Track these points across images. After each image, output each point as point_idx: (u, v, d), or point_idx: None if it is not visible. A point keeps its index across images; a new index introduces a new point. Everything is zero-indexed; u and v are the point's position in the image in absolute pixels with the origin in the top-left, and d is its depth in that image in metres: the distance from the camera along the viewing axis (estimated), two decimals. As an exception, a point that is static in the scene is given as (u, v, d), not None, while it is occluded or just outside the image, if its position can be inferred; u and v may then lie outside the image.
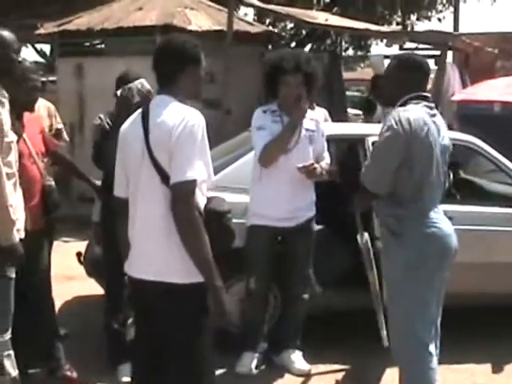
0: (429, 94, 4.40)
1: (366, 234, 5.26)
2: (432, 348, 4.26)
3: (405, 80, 4.31)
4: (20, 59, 4.28)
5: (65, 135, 7.91)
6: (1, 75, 4.05)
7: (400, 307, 4.27)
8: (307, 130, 5.33)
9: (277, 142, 5.18)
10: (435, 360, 4.28)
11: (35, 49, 20.71)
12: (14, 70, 4.26)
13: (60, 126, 7.84)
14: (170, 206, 3.32)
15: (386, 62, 13.58)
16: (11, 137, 4.12)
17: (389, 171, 4.15)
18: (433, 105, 4.33)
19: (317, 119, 5.49)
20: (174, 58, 3.49)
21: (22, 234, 4.18)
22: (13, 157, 4.13)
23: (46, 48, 13.75)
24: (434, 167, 4.20)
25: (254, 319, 5.47)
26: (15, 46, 4.20)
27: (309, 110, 5.44)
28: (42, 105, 7.21)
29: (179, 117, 3.35)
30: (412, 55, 4.79)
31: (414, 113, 4.15)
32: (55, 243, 9.00)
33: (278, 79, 5.25)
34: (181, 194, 3.29)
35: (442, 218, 4.30)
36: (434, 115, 4.27)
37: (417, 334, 4.21)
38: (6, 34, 4.20)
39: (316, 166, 5.25)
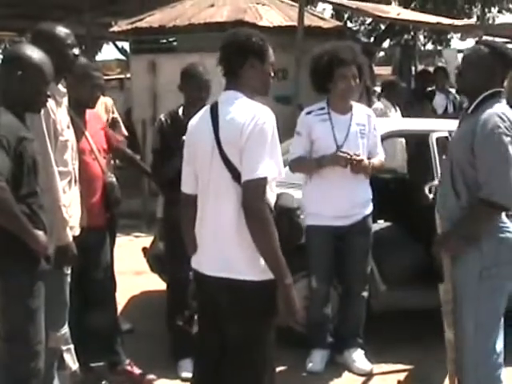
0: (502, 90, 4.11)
1: (450, 286, 4.21)
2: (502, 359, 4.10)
3: (495, 71, 4.01)
4: (76, 53, 4.25)
5: (123, 129, 7.88)
6: (59, 72, 4.03)
7: (474, 321, 4.02)
8: (358, 124, 5.23)
9: (305, 165, 5.23)
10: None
11: (116, 46, 21.01)
12: (70, 65, 4.25)
13: (115, 115, 7.81)
14: (241, 204, 3.31)
15: (460, 56, 13.39)
16: (67, 135, 4.16)
17: None
18: None
19: (369, 113, 5.36)
20: (237, 52, 3.47)
21: (77, 232, 4.22)
22: (69, 155, 4.16)
23: (128, 46, 13.99)
24: None
25: (318, 317, 5.42)
26: (68, 40, 4.17)
27: (360, 105, 5.39)
28: (99, 101, 7.24)
29: (250, 114, 3.33)
30: (502, 44, 4.51)
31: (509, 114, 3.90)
32: (126, 238, 9.30)
33: (333, 73, 5.12)
34: (252, 191, 3.28)
35: None
36: None
37: (495, 349, 4.03)
38: (58, 28, 4.18)
39: (362, 159, 5.13)
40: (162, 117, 5.33)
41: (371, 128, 5.29)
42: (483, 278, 3.95)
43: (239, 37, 3.52)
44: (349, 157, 5.03)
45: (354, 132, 5.20)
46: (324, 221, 5.18)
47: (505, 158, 3.82)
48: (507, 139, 3.82)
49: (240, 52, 3.47)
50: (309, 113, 5.28)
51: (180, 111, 5.21)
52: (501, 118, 3.84)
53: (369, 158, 5.21)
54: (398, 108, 9.14)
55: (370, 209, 5.32)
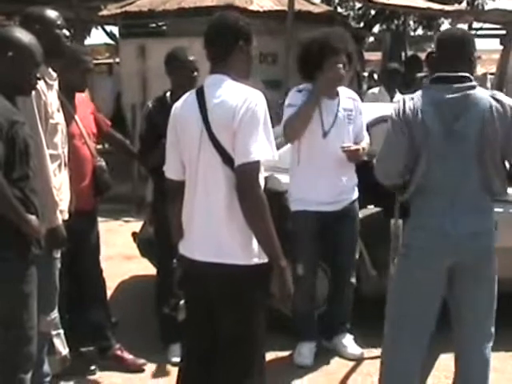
0: (454, 74, 3.91)
1: None
2: (401, 342, 4.10)
3: (434, 58, 4.18)
4: (67, 34, 4.24)
5: None
6: (49, 55, 3.99)
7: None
8: (345, 109, 5.20)
9: (299, 112, 5.05)
10: (401, 357, 4.12)
11: (105, 30, 20.88)
12: (62, 48, 4.23)
13: None
14: (236, 187, 3.30)
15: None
16: (57, 118, 4.14)
17: (395, 163, 3.96)
18: (458, 86, 3.88)
19: (354, 98, 5.33)
20: (226, 34, 3.45)
21: (66, 216, 4.20)
22: (59, 138, 4.15)
23: (116, 30, 13.89)
24: (424, 157, 3.88)
25: (304, 308, 5.34)
26: (58, 22, 4.16)
27: (346, 89, 5.34)
28: None
29: (241, 97, 3.32)
30: (448, 30, 4.61)
31: (411, 101, 3.92)
32: (116, 223, 9.30)
33: (322, 61, 5.03)
34: (247, 175, 3.28)
35: (437, 211, 3.92)
36: (451, 99, 3.87)
37: (390, 317, 4.16)
38: (47, 11, 4.17)
39: (359, 147, 5.13)
40: (150, 103, 5.30)
41: (357, 113, 5.26)
42: (399, 254, 4.12)
43: (228, 20, 3.50)
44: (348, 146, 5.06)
45: (341, 117, 5.17)
46: (312, 206, 5.13)
47: (386, 141, 3.97)
48: (390, 122, 3.95)
49: (231, 36, 3.45)
50: (299, 91, 5.19)
51: (167, 96, 5.17)
52: (398, 101, 4.01)
53: (356, 143, 5.19)
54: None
55: (356, 194, 5.31)
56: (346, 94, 5.28)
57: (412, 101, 3.93)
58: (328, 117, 5.15)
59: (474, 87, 3.91)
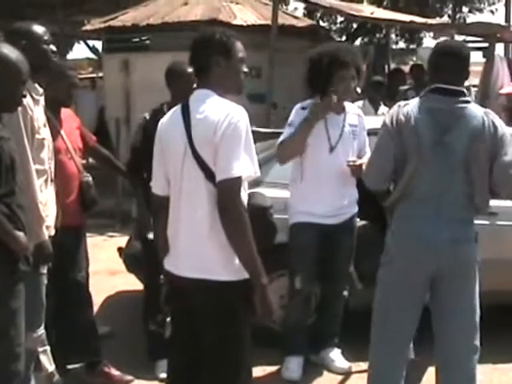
0: (452, 87, 3.95)
1: None
2: (382, 349, 4.18)
3: (429, 69, 4.11)
4: (54, 50, 4.23)
5: None
6: (36, 70, 3.99)
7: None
8: (350, 125, 5.22)
9: (294, 136, 5.05)
10: (385, 366, 4.19)
11: (87, 45, 20.86)
12: (48, 62, 4.23)
13: None
14: (217, 204, 3.28)
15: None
16: (43, 134, 4.12)
17: (382, 167, 4.07)
18: (453, 99, 3.93)
19: (359, 114, 5.35)
20: (201, 49, 3.45)
21: (52, 232, 4.18)
22: (45, 153, 4.13)
23: (99, 44, 13.94)
24: (413, 162, 3.93)
25: (297, 320, 5.33)
26: (45, 37, 4.17)
27: (352, 105, 5.37)
28: None
29: (223, 112, 3.30)
30: (447, 41, 4.66)
31: (406, 107, 3.99)
32: (100, 238, 9.26)
33: (332, 75, 5.04)
34: (228, 191, 3.26)
35: (421, 218, 3.97)
36: (445, 111, 3.92)
37: (374, 326, 4.21)
38: (34, 26, 4.17)
39: (364, 162, 5.13)
40: (147, 114, 5.25)
41: (361, 128, 5.30)
42: (381, 263, 4.13)
43: (203, 35, 3.50)
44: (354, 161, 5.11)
45: (347, 132, 5.18)
46: (313, 219, 5.12)
47: (376, 145, 4.12)
48: (382, 129, 4.06)
49: (204, 50, 3.44)
50: (303, 108, 5.16)
51: (165, 108, 5.13)
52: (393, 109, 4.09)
53: (358, 157, 5.21)
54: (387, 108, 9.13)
55: (356, 208, 5.32)
56: (351, 110, 5.31)
57: (407, 107, 3.98)
58: (334, 132, 5.16)
59: (468, 102, 3.96)
